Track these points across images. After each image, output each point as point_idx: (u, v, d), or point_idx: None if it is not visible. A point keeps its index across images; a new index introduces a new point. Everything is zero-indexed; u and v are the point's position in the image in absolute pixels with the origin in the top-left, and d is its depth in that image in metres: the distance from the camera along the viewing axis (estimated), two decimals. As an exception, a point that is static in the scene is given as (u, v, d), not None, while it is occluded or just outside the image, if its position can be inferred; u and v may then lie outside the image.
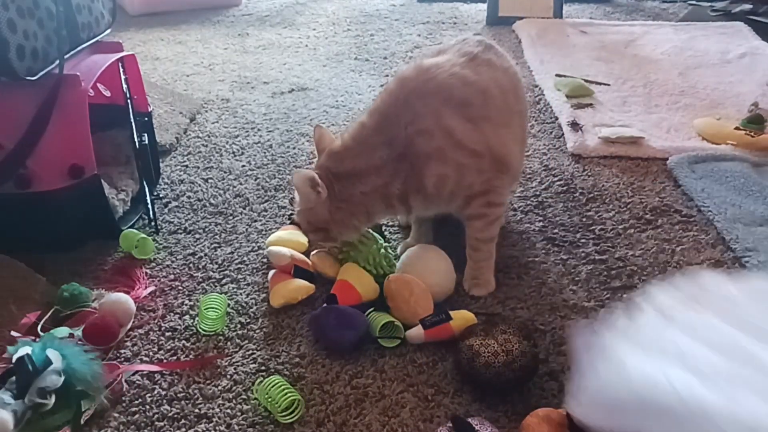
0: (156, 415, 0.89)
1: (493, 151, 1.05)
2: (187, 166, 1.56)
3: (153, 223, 1.30)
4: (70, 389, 0.87)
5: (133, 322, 1.05)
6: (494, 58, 1.12)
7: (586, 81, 1.95)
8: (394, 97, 1.03)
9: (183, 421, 0.88)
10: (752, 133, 1.61)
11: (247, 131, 1.74)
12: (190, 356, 0.99)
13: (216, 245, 1.26)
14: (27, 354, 0.87)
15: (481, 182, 1.05)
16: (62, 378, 0.87)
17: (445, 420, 0.87)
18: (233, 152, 1.62)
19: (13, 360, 0.87)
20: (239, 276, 1.17)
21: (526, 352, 0.89)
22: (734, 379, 0.61)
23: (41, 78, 1.10)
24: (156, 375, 0.95)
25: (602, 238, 1.26)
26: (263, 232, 1.29)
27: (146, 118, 1.39)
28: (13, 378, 0.86)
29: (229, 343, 1.02)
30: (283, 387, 0.88)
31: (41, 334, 0.98)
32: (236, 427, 0.87)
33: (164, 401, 0.91)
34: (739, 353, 0.64)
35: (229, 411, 0.90)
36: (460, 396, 0.91)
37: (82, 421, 0.86)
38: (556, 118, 1.78)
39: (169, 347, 1.01)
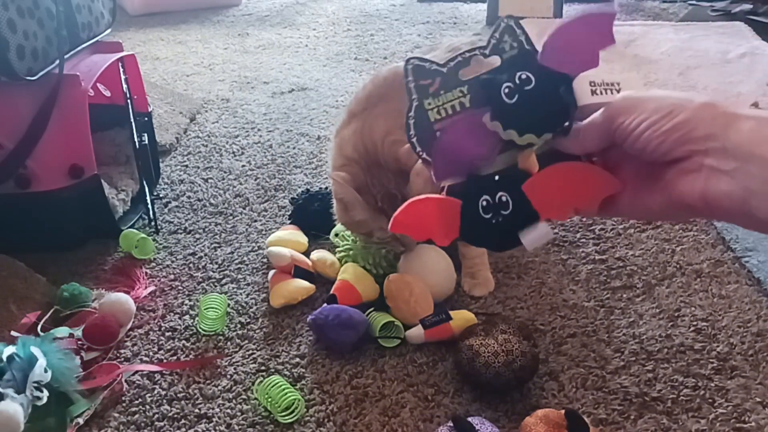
0: (156, 415, 0.89)
1: None
2: (187, 166, 1.56)
3: (153, 223, 1.30)
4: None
5: (133, 322, 1.05)
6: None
7: (586, 81, 1.95)
8: (390, 82, 1.11)
9: (183, 421, 0.88)
10: (752, 133, 1.61)
11: (247, 131, 1.74)
12: (190, 356, 0.99)
13: (216, 245, 1.26)
14: (14, 352, 0.87)
15: None
16: (49, 373, 0.86)
17: (445, 420, 0.87)
18: (233, 152, 1.62)
19: (4, 358, 0.87)
20: (239, 276, 1.17)
21: (526, 352, 0.89)
22: None
23: (41, 78, 1.10)
24: (156, 375, 0.95)
25: (602, 238, 1.26)
26: (263, 232, 1.29)
27: (146, 118, 1.39)
28: (6, 376, 0.85)
29: (229, 343, 1.02)
30: (283, 387, 0.88)
31: (41, 334, 0.98)
32: (236, 427, 0.87)
33: (164, 401, 0.91)
34: None
35: (229, 411, 0.90)
36: (460, 396, 0.91)
37: (82, 421, 0.86)
38: (556, 118, 1.78)
39: (169, 347, 1.01)
